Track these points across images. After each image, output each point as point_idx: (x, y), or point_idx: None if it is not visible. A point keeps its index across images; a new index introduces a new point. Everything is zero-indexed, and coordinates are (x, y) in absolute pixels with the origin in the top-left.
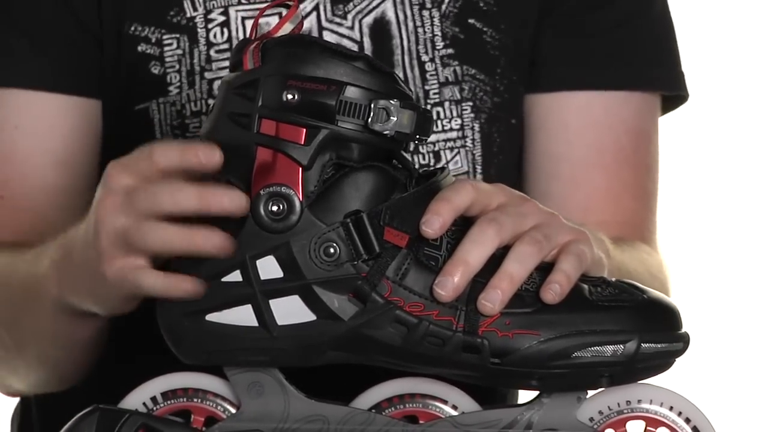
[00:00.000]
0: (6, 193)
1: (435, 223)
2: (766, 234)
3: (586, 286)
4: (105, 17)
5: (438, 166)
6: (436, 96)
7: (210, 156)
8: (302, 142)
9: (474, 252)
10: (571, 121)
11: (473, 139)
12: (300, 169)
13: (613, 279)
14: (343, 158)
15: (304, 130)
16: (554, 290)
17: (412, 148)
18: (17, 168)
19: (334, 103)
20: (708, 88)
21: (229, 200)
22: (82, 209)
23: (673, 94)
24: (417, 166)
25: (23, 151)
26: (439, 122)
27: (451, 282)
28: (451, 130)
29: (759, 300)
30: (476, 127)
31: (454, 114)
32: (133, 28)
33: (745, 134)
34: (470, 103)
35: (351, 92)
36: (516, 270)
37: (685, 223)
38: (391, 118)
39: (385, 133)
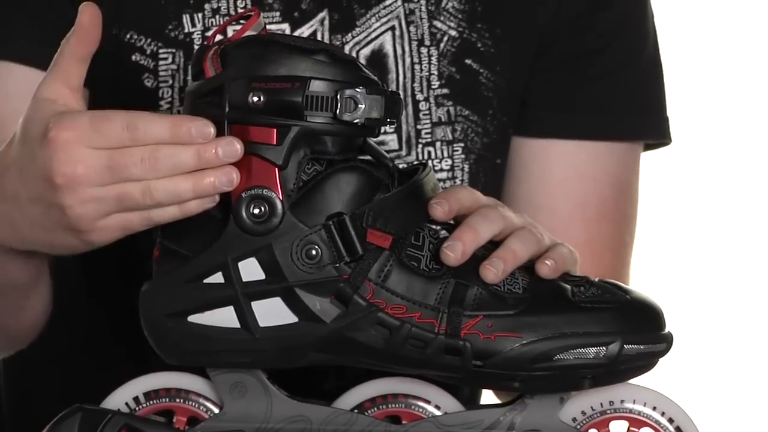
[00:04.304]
0: None
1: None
2: (749, 234)
3: (568, 287)
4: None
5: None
6: (428, 136)
7: (204, 129)
8: (274, 142)
9: (483, 224)
10: (556, 172)
11: (462, 180)
12: (276, 169)
13: (596, 279)
14: (318, 152)
15: (275, 130)
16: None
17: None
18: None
19: (300, 100)
20: (706, 90)
21: (223, 148)
22: None
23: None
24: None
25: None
26: (429, 162)
27: (461, 246)
28: (441, 170)
29: (742, 300)
30: (466, 167)
31: (445, 154)
32: (129, 36)
33: (740, 136)
34: (461, 144)
35: (316, 86)
36: (518, 248)
37: (667, 225)
38: (359, 106)
39: (356, 121)
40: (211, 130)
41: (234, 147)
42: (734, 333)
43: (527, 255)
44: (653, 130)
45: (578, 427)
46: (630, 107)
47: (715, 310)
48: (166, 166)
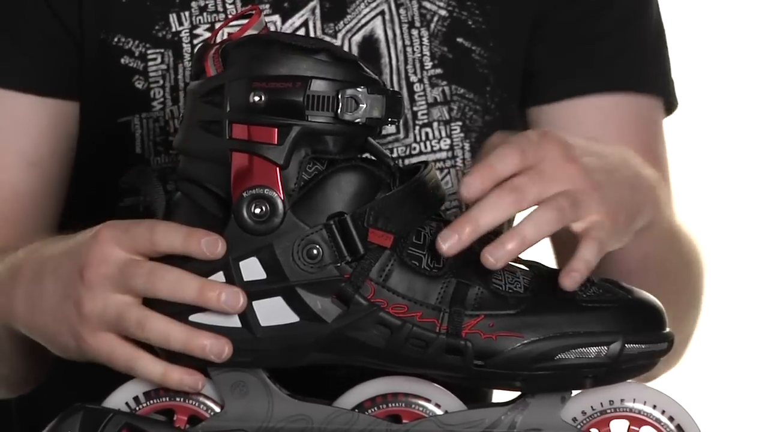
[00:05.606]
0: None
1: (474, 186)
2: (751, 231)
3: None
4: (86, 22)
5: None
6: (425, 117)
7: (213, 247)
8: (275, 142)
9: (487, 214)
10: (576, 131)
11: (464, 159)
12: (277, 169)
13: (597, 279)
14: (320, 152)
15: (276, 129)
16: (574, 278)
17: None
18: None
19: (301, 99)
20: (704, 89)
21: (227, 296)
22: (49, 213)
23: (664, 101)
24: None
25: None
26: (428, 143)
27: (455, 238)
28: (441, 150)
29: (743, 298)
30: (466, 146)
31: (443, 134)
32: (116, 39)
33: (740, 130)
34: (459, 123)
35: (317, 86)
36: (529, 233)
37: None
38: (361, 105)
39: (357, 121)
40: (220, 246)
41: (237, 299)
42: (735, 331)
43: (538, 238)
44: (660, 85)
45: (579, 426)
46: (636, 62)
47: (716, 309)
48: (167, 286)
